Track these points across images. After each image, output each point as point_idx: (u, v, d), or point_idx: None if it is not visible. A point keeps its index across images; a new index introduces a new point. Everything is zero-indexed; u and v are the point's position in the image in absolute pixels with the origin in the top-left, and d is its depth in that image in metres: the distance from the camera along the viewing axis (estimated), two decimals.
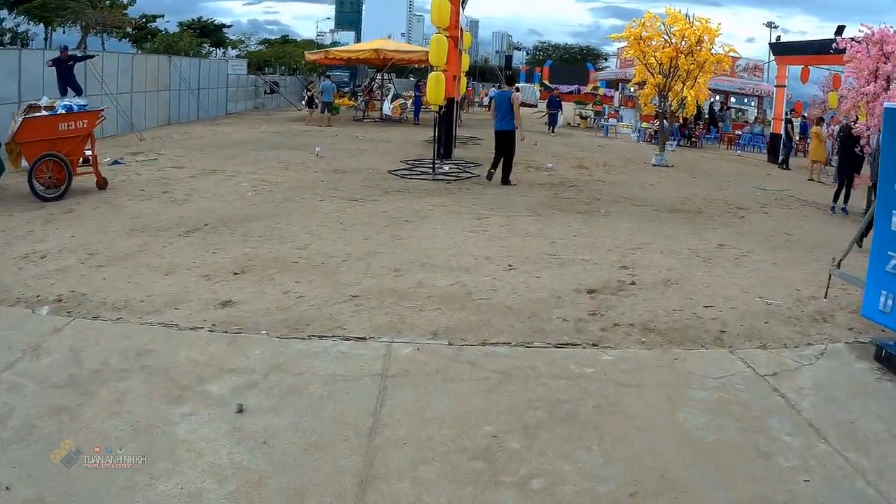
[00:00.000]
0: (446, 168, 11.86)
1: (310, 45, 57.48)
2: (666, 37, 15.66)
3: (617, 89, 34.24)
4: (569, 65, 57.83)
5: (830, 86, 21.68)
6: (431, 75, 11.39)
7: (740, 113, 32.00)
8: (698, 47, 15.30)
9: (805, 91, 26.96)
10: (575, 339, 4.51)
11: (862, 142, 10.67)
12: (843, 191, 10.95)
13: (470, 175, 11.54)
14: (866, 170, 10.88)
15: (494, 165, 10.70)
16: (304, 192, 9.25)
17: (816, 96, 28.02)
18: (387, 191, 9.82)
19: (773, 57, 21.12)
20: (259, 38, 64.52)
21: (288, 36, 73.13)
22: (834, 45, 11.75)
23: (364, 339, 4.30)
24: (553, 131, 22.82)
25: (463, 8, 16.11)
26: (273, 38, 65.34)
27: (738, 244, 7.61)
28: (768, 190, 13.07)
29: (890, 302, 4.44)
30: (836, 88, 20.54)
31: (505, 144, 10.51)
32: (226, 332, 4.31)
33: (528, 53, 78.33)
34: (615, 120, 25.87)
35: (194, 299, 4.87)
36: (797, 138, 20.03)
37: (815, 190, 13.91)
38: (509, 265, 6.13)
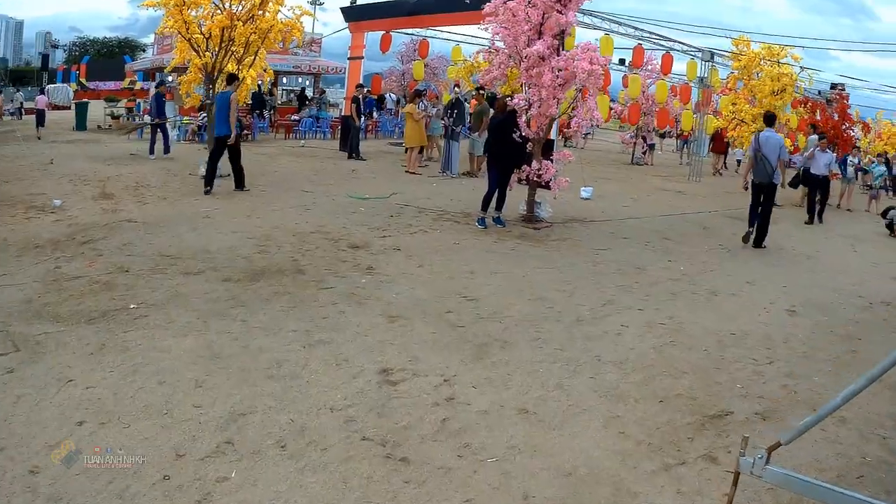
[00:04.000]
0: None
1: None
2: (217, 0, 11.14)
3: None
4: (107, 59, 52.26)
5: (416, 54, 19.85)
6: None
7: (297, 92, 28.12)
8: (261, 12, 11.23)
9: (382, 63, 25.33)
10: None
11: (521, 121, 8.04)
12: (497, 194, 8.17)
13: None
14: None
15: (210, 172, 9.83)
16: None
17: (394, 67, 26.93)
18: None
19: (346, 24, 17.66)
20: None
21: None
22: None
23: None
24: (152, 154, 14.21)
25: None
26: None
27: (407, 356, 4.23)
28: (369, 199, 9.86)
29: None
30: (423, 57, 19.04)
31: (227, 149, 9.95)
32: None
33: (65, 51, 66.23)
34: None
35: None
36: (359, 122, 15.84)
37: (424, 187, 11.23)
38: None
